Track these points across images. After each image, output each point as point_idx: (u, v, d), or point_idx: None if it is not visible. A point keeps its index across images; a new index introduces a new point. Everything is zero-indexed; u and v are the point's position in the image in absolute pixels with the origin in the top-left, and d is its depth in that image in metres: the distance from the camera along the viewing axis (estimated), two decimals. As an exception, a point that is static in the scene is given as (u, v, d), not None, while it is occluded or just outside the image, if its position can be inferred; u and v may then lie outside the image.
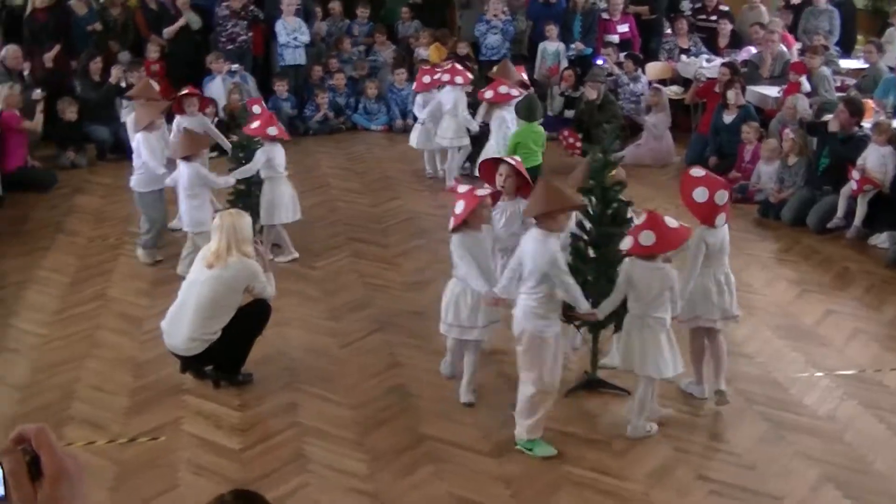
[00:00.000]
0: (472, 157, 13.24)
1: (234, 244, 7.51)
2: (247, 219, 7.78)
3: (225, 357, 7.77)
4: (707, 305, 7.27)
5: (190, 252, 9.36)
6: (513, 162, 8.31)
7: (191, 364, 7.76)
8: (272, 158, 10.10)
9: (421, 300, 9.50)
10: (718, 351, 7.47)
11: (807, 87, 13.33)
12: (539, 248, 6.59)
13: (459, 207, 7.20)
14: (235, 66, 15.26)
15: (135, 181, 10.32)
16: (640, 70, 15.27)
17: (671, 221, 6.84)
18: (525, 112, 11.20)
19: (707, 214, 7.17)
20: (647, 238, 6.71)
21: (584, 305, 6.86)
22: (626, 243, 6.90)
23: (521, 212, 8.06)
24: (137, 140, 10.22)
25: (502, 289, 6.99)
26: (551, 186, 6.88)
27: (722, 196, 7.11)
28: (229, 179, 10.11)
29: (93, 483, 6.54)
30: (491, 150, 11.28)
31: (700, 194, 7.12)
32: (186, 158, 9.71)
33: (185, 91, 11.34)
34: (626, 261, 6.98)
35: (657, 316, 6.84)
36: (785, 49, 15.01)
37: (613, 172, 7.65)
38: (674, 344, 6.96)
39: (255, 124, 10.11)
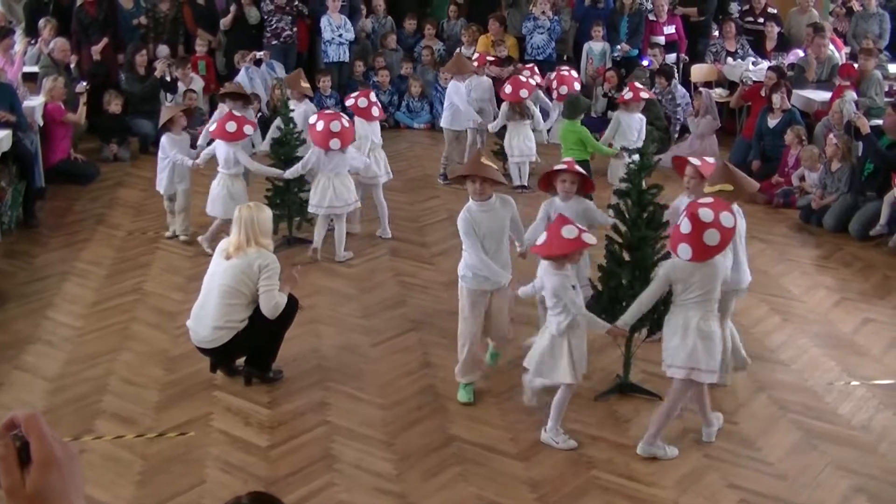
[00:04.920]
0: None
1: (252, 237, 7.53)
2: (267, 213, 7.77)
3: (254, 352, 7.78)
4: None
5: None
6: (575, 168, 8.21)
7: (220, 359, 7.76)
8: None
9: (456, 300, 9.41)
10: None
11: (852, 95, 13.14)
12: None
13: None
14: (261, 54, 15.30)
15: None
16: (672, 83, 15.04)
17: (566, 230, 6.80)
18: (567, 110, 11.25)
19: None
20: (541, 239, 6.93)
21: (599, 325, 7.04)
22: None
23: (587, 210, 8.07)
24: (162, 142, 10.57)
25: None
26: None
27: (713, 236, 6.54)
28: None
29: (119, 477, 6.58)
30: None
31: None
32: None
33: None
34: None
35: (558, 320, 6.85)
36: (834, 52, 14.84)
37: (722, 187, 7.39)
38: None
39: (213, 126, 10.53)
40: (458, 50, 15.42)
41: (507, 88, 12.19)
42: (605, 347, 8.18)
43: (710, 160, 8.08)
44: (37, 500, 1.71)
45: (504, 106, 12.52)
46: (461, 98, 12.76)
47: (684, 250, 6.43)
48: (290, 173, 10.35)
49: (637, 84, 12.23)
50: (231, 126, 10.14)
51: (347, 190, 10.29)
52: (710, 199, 6.66)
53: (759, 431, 7.23)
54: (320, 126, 10.07)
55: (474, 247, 7.40)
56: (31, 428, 1.75)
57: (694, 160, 8.03)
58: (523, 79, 12.47)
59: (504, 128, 12.77)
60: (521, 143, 12.38)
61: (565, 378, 6.79)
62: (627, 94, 11.99)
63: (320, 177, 10.27)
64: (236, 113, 10.50)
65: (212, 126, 10.49)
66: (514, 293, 7.57)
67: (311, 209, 10.36)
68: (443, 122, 13.19)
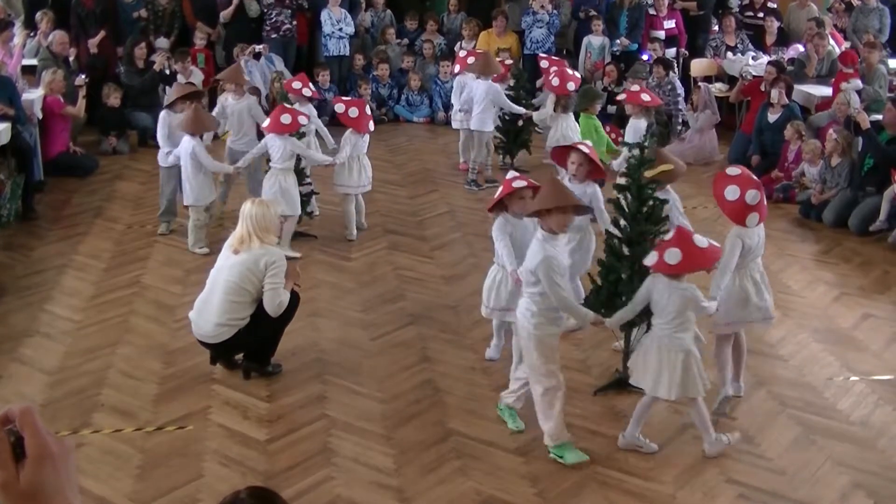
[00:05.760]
0: (510, 150, 13.22)
1: (254, 232, 7.52)
2: (271, 208, 7.75)
3: (255, 347, 7.77)
4: (747, 309, 7.15)
5: None
6: (585, 150, 8.28)
7: (220, 353, 7.77)
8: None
9: (455, 294, 9.46)
10: (741, 349, 7.46)
11: (857, 84, 13.12)
12: (536, 248, 6.50)
13: (498, 191, 7.30)
14: (260, 48, 15.28)
15: (161, 156, 10.84)
16: (670, 73, 14.99)
17: (700, 240, 6.58)
18: (581, 101, 11.35)
19: (738, 213, 7.00)
20: (673, 256, 6.47)
21: (580, 314, 6.76)
22: (650, 259, 6.65)
23: (593, 195, 8.12)
24: (185, 143, 10.34)
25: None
26: (556, 183, 6.77)
27: (754, 196, 6.94)
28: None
29: (118, 471, 6.57)
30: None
31: (731, 192, 6.99)
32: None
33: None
34: (649, 276, 6.77)
35: (678, 337, 6.59)
36: (834, 47, 14.82)
37: (663, 168, 7.63)
38: (690, 367, 6.60)
39: (267, 121, 10.36)
40: (485, 50, 15.12)
41: (555, 81, 11.95)
42: (603, 342, 8.19)
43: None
44: (31, 495, 1.71)
45: (549, 98, 12.38)
46: (498, 97, 12.51)
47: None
48: (339, 158, 10.57)
49: (635, 88, 11.78)
50: (286, 118, 10.07)
51: (369, 167, 10.86)
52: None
53: (758, 426, 7.22)
54: (354, 112, 10.48)
55: (564, 287, 6.63)
56: (26, 423, 1.74)
57: (583, 147, 8.30)
58: (570, 71, 12.35)
59: (503, 121, 12.77)
60: (565, 135, 12.09)
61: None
62: (621, 95, 11.88)
63: (352, 161, 10.62)
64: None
65: (264, 122, 10.38)
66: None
67: (348, 190, 10.76)
68: (474, 125, 12.59)
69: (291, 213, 10.14)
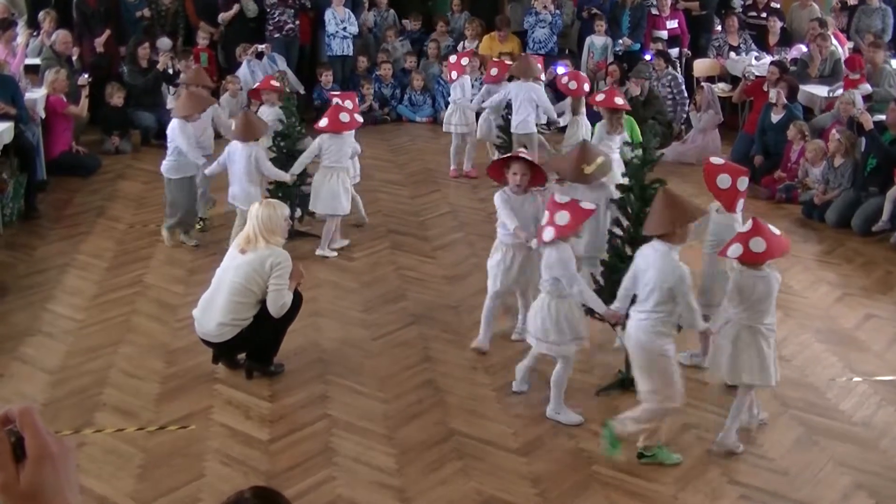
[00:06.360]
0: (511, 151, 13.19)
1: (260, 232, 7.53)
2: (280, 211, 7.75)
3: (257, 346, 7.78)
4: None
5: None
6: (527, 156, 8.33)
7: (223, 352, 7.77)
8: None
9: (457, 294, 9.46)
10: None
11: (867, 88, 13.08)
12: (666, 264, 6.38)
13: (564, 219, 7.00)
14: (262, 47, 15.27)
15: (166, 167, 10.36)
16: (670, 67, 14.97)
17: (774, 229, 6.76)
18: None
19: (731, 200, 7.39)
20: (758, 245, 6.55)
21: (701, 324, 6.68)
22: (734, 251, 6.65)
23: (539, 208, 7.97)
24: (172, 127, 10.22)
25: (620, 308, 6.84)
26: (672, 197, 6.61)
27: (743, 182, 7.35)
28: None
29: (119, 470, 6.57)
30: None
31: (723, 181, 7.37)
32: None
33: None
34: (735, 271, 6.76)
35: (767, 323, 6.67)
36: (837, 48, 14.80)
37: (600, 160, 7.99)
38: (774, 350, 6.79)
39: (325, 121, 10.30)
40: (524, 53, 14.93)
41: (572, 84, 11.98)
42: (606, 343, 8.18)
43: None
44: (31, 496, 1.70)
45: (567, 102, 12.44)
46: (541, 98, 12.44)
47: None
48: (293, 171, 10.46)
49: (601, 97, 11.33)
50: (344, 116, 10.19)
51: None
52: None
53: (760, 427, 7.21)
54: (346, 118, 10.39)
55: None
56: (26, 423, 1.74)
57: (524, 154, 8.50)
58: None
59: (506, 121, 12.79)
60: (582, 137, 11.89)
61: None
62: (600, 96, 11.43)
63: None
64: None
65: (322, 122, 10.36)
66: None
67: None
68: (518, 129, 12.40)
69: (332, 213, 10.27)
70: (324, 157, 10.18)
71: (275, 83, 11.77)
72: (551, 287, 7.03)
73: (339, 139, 10.17)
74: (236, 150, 9.87)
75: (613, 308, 6.84)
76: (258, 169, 9.89)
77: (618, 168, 9.05)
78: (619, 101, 10.84)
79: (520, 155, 8.36)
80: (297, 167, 10.33)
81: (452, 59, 13.38)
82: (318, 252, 10.26)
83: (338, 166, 10.19)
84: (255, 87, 12.17)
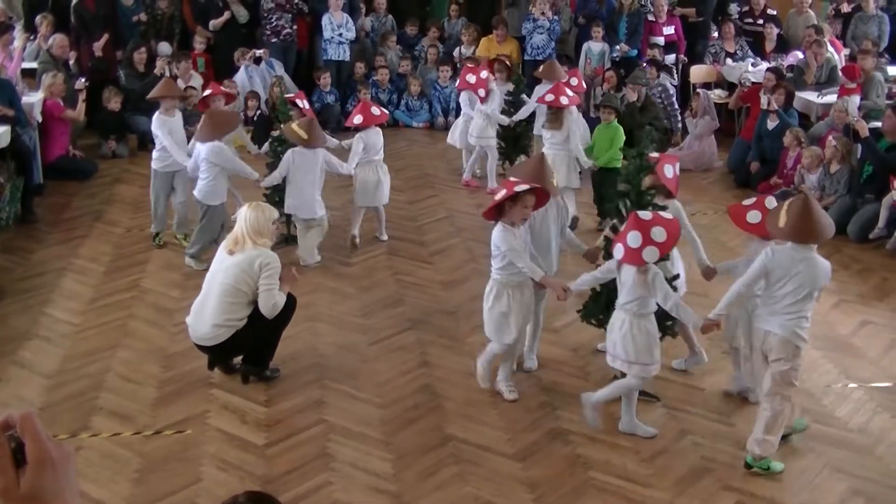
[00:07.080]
0: (508, 156, 13.18)
1: (248, 234, 7.57)
2: (266, 213, 7.74)
3: (252, 349, 7.78)
4: None
5: None
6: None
7: (218, 356, 7.77)
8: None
9: (454, 299, 9.47)
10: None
11: (856, 101, 13.09)
12: (819, 265, 6.48)
13: (661, 235, 6.81)
14: (260, 52, 15.28)
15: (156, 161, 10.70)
16: (662, 75, 14.97)
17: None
18: None
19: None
20: (755, 217, 7.05)
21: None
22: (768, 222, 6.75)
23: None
24: (155, 122, 10.53)
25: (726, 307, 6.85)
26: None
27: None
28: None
29: (116, 475, 6.57)
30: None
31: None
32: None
33: (208, 92, 11.39)
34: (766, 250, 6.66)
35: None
36: (833, 55, 14.82)
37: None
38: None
39: (359, 118, 10.57)
40: (552, 59, 14.77)
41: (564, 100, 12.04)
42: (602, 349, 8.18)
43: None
44: (31, 501, 1.71)
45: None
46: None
47: None
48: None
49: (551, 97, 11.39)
50: (376, 110, 10.69)
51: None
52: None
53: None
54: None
55: None
56: (27, 428, 1.75)
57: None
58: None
59: (503, 127, 12.79)
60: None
61: None
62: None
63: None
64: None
65: (357, 119, 10.50)
66: None
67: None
68: (539, 131, 12.29)
69: (362, 205, 10.73)
70: (366, 152, 10.55)
71: (225, 89, 11.82)
72: (638, 308, 6.85)
73: (373, 133, 10.61)
74: (201, 151, 10.01)
75: (713, 316, 6.80)
76: (225, 165, 10.04)
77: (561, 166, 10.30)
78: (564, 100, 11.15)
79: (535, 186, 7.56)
80: (346, 170, 10.50)
81: (470, 78, 12.80)
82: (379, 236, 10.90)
83: (381, 157, 10.69)
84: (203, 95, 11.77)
